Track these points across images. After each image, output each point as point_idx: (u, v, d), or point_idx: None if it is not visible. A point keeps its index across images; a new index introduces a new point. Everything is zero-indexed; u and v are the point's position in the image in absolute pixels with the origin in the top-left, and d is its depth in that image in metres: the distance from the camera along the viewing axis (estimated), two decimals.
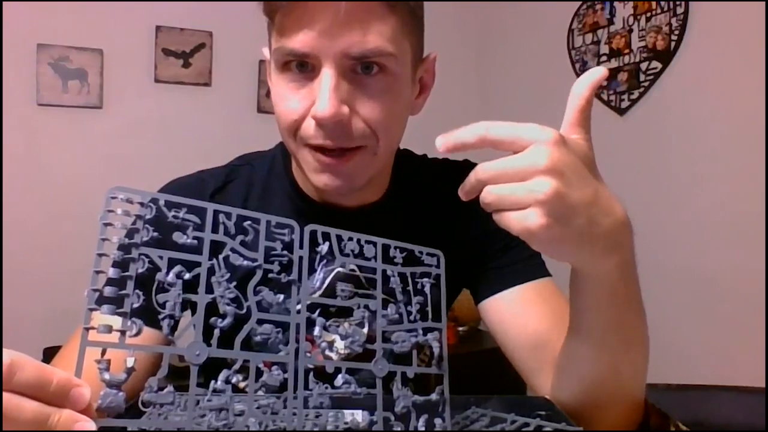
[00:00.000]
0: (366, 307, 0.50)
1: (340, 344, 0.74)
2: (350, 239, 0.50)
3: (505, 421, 0.51)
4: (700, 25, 1.81)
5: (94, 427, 0.37)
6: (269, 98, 0.73)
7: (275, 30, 0.62)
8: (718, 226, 1.69)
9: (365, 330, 0.51)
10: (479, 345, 2.32)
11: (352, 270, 0.67)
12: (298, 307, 0.46)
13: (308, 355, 0.45)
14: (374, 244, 0.50)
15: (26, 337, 1.66)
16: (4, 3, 2.01)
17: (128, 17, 2.23)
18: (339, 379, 0.47)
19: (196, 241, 0.44)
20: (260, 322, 0.45)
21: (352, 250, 0.50)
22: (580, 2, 2.22)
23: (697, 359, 1.74)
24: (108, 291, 0.40)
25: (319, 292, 0.71)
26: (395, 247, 0.51)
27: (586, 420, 0.57)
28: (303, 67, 0.62)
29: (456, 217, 0.78)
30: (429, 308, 0.51)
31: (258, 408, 0.43)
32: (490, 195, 0.46)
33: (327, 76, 0.59)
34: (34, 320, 1.96)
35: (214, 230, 0.45)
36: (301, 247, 0.47)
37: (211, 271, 0.43)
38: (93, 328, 0.39)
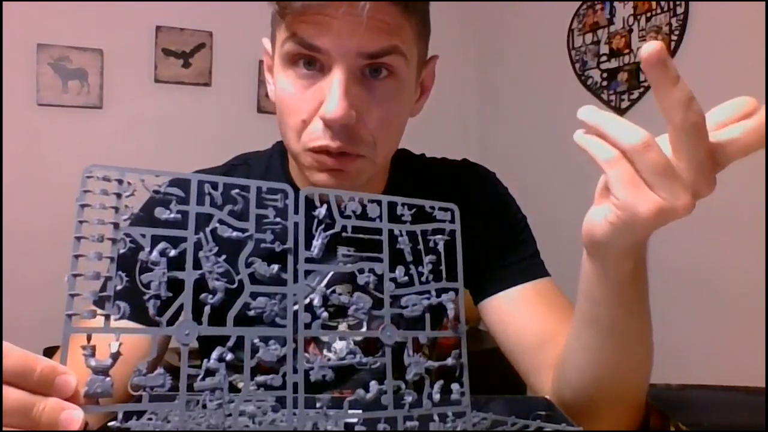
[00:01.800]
0: (372, 271, 0.46)
1: (339, 345, 0.73)
2: (351, 200, 0.46)
3: (505, 423, 0.51)
4: (700, 25, 1.81)
5: (81, 414, 0.37)
6: (269, 99, 0.72)
7: (286, 23, 0.61)
8: (718, 226, 1.69)
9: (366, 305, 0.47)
10: (479, 345, 2.32)
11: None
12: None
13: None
14: (378, 202, 0.47)
15: (26, 337, 1.66)
16: (4, 3, 2.01)
17: (128, 17, 2.23)
18: (343, 349, 0.45)
19: (180, 216, 0.41)
20: (254, 295, 0.42)
21: (354, 212, 0.46)
22: (580, 2, 2.22)
23: (697, 359, 1.74)
24: (110, 284, 0.39)
25: (328, 275, 0.68)
26: (403, 204, 0.48)
27: (587, 418, 0.57)
28: (311, 65, 0.61)
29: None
30: (443, 267, 0.48)
31: (255, 387, 0.41)
32: (587, 140, 0.44)
33: (338, 76, 0.59)
34: (34, 320, 1.96)
35: (200, 202, 0.42)
36: (296, 212, 0.44)
37: (198, 246, 0.41)
38: (76, 314, 0.38)
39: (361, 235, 0.46)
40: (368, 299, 0.46)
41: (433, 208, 0.49)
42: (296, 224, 0.44)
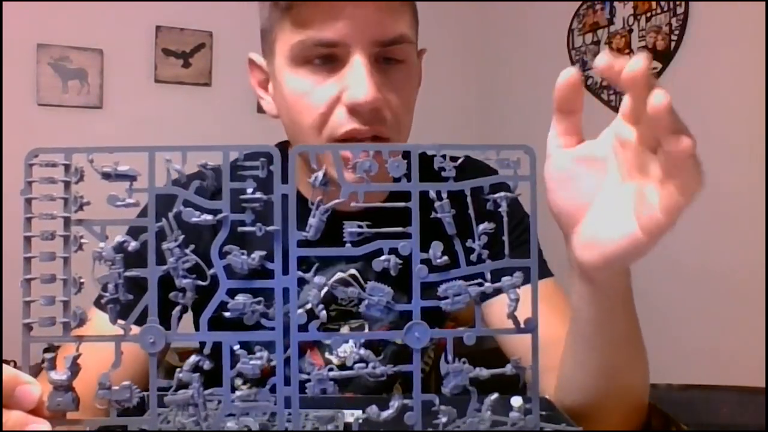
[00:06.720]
0: (394, 252, 0.35)
1: (344, 348, 0.71)
2: (365, 153, 0.36)
3: (505, 423, 0.51)
4: (700, 25, 1.81)
5: (46, 427, 0.34)
6: (266, 113, 0.72)
7: (292, 23, 0.60)
8: (719, 226, 1.69)
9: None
10: (479, 345, 2.31)
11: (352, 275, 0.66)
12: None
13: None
14: (405, 154, 0.35)
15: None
16: (4, 3, 2.01)
17: (128, 17, 2.23)
18: (350, 354, 0.35)
19: (134, 201, 0.35)
20: (232, 292, 0.34)
21: (367, 171, 0.35)
22: (580, 2, 2.22)
23: (698, 359, 1.74)
24: (109, 289, 0.36)
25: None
26: (444, 156, 0.35)
27: (590, 422, 0.57)
28: (326, 60, 0.61)
29: (459, 215, 0.77)
30: (506, 238, 0.37)
31: (237, 402, 0.34)
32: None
33: (361, 61, 0.59)
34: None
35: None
36: (284, 180, 0.34)
37: (162, 236, 0.35)
38: (35, 322, 0.35)
39: (378, 204, 0.35)
40: (387, 290, 0.36)
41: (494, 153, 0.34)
42: (285, 197, 0.34)
